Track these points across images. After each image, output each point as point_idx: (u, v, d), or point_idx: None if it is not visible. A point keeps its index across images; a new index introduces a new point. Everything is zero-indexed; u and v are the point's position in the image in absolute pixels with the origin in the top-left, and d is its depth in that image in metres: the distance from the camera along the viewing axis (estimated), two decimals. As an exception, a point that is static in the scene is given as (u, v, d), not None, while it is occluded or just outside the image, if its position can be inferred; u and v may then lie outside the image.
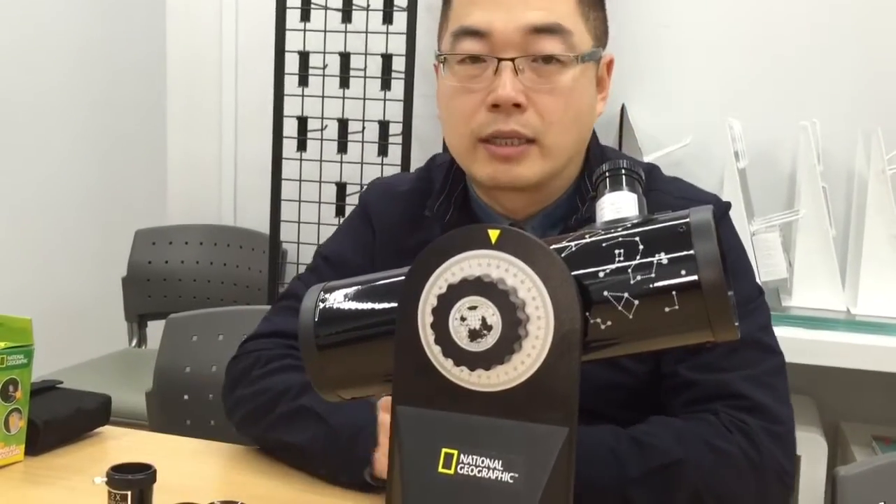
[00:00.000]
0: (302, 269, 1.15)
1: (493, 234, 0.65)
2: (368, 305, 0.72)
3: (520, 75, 0.90)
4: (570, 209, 1.00)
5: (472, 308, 0.64)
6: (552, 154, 0.93)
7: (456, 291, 0.64)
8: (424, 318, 0.66)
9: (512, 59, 0.89)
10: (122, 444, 1.05)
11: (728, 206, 1.02)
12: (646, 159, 1.96)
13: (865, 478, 1.02)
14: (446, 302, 0.65)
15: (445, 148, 1.04)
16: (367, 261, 1.04)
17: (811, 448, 1.76)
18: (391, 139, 2.30)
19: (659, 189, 0.98)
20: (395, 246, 1.03)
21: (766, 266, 1.88)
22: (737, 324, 0.64)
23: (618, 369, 0.95)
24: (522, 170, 0.93)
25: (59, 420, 1.02)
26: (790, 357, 1.71)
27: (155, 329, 2.43)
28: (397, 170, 2.27)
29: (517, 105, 0.90)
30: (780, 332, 1.69)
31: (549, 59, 0.91)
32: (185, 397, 1.48)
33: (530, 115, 0.91)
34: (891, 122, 1.98)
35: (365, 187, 1.17)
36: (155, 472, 0.79)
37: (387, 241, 1.06)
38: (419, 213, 1.04)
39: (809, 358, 1.73)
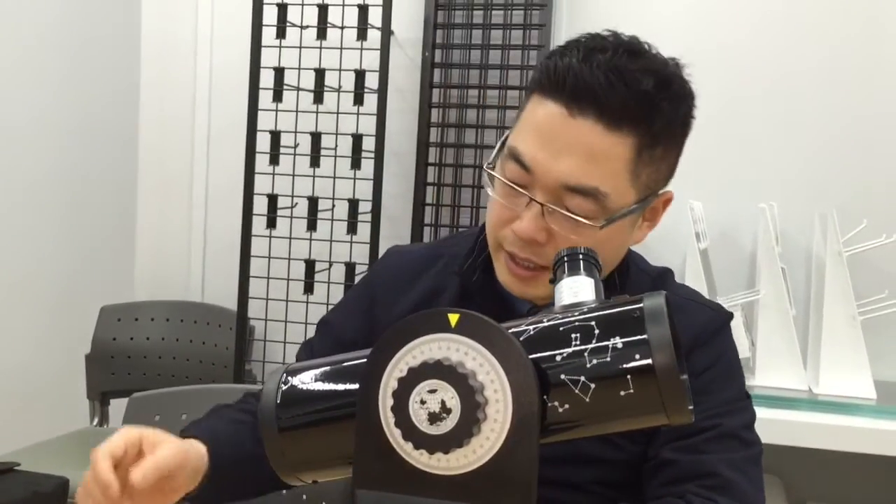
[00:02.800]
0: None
1: (453, 318, 0.66)
2: (331, 387, 0.73)
3: (547, 216, 0.91)
4: None
5: (432, 391, 0.65)
6: None
7: (416, 375, 0.65)
8: (385, 400, 0.66)
9: (542, 204, 0.91)
10: (79, 529, 1.03)
11: (730, 315, 1.04)
12: (610, 239, 2.00)
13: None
14: (406, 385, 0.65)
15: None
16: (363, 323, 1.07)
17: (778, 529, 1.76)
18: (360, 217, 2.32)
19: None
20: (400, 295, 1.05)
21: (729, 345, 1.90)
22: (690, 407, 0.65)
23: (612, 446, 0.97)
24: (534, 291, 0.96)
25: (15, 504, 1.00)
26: (754, 437, 1.70)
27: (118, 407, 2.39)
28: (366, 247, 2.29)
29: (535, 241, 0.93)
30: (744, 411, 1.71)
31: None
32: (146, 478, 1.45)
33: (549, 249, 0.92)
34: (845, 204, 2.05)
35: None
36: (110, 558, 0.78)
37: (389, 293, 1.08)
38: (429, 268, 1.07)
39: (773, 437, 1.74)
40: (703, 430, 0.94)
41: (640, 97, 0.89)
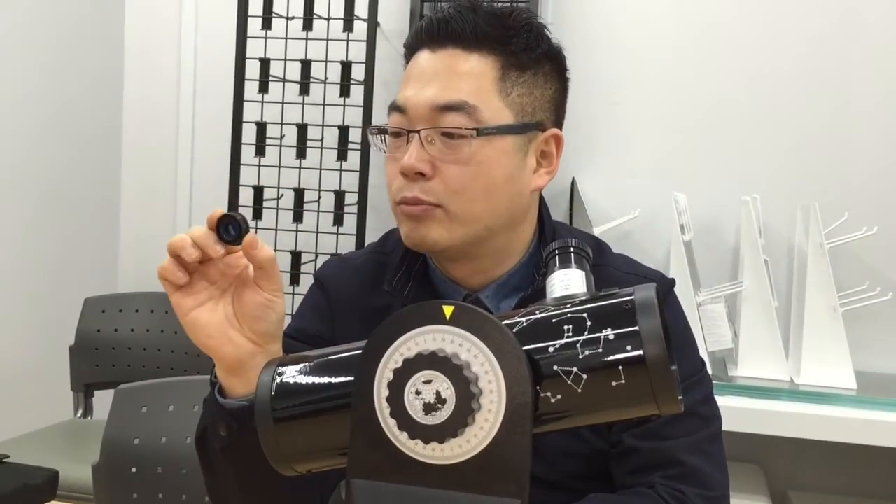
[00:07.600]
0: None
1: (448, 310, 0.67)
2: (325, 379, 0.74)
3: (428, 146, 0.95)
4: (525, 279, 1.02)
5: (427, 382, 0.66)
6: (460, 220, 0.96)
7: (411, 366, 0.66)
8: (380, 391, 0.67)
9: (418, 132, 0.95)
10: (69, 520, 1.04)
11: (672, 282, 1.05)
12: (595, 231, 2.02)
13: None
14: (402, 376, 0.66)
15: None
16: (326, 327, 1.06)
17: (759, 517, 1.79)
18: (347, 209, 2.32)
19: (607, 264, 1.02)
20: (355, 311, 1.04)
21: (712, 336, 1.93)
22: (680, 398, 0.67)
23: (576, 438, 0.98)
24: (428, 231, 0.96)
25: (6, 496, 1.00)
26: (737, 426, 1.74)
27: (102, 399, 2.38)
28: (353, 239, 2.29)
29: (421, 174, 0.95)
30: (727, 401, 1.75)
31: (452, 133, 0.96)
32: (133, 470, 1.46)
33: (435, 182, 0.95)
34: (828, 197, 2.07)
35: (319, 267, 1.19)
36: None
37: (345, 308, 1.07)
38: (377, 284, 1.06)
39: (755, 427, 1.77)
40: None
41: (491, 18, 0.97)
